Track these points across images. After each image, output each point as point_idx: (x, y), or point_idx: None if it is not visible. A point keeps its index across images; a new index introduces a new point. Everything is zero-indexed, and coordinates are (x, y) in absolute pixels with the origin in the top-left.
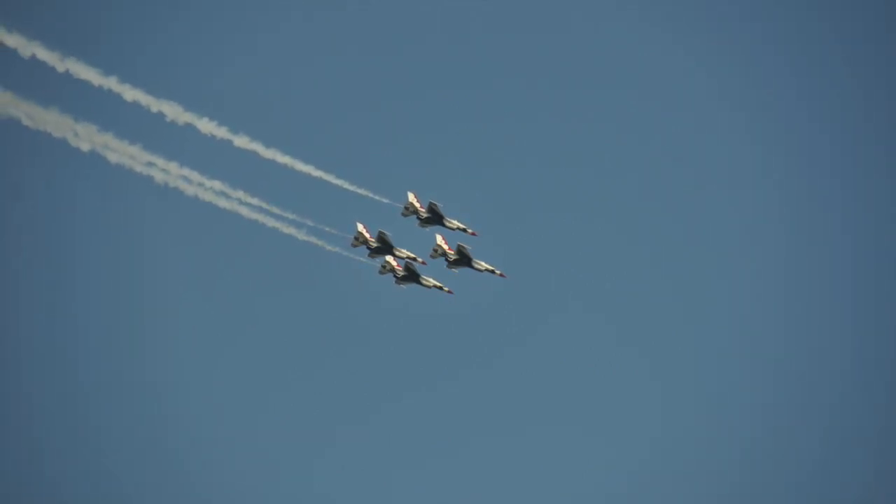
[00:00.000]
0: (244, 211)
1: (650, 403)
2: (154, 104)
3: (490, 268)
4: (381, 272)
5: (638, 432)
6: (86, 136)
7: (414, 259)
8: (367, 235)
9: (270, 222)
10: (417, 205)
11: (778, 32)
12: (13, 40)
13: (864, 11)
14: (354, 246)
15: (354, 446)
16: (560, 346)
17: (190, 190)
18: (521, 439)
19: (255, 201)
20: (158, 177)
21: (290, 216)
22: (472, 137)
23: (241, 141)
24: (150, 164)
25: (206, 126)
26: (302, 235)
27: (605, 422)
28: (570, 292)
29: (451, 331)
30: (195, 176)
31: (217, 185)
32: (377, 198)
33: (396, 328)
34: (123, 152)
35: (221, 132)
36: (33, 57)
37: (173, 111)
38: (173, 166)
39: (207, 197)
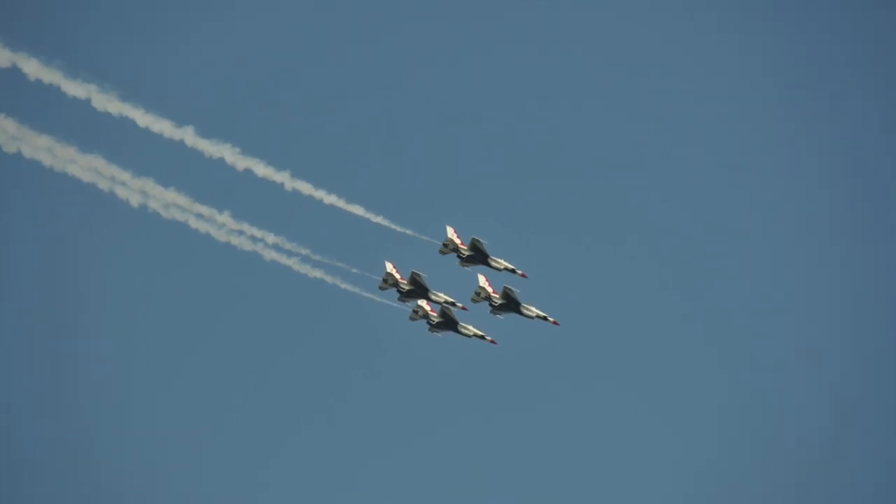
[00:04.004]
0: (245, 243)
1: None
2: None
3: (542, 314)
4: (412, 318)
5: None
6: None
7: (452, 304)
8: (398, 276)
9: (283, 259)
10: (458, 241)
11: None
12: None
13: None
14: (382, 289)
15: None
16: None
17: (180, 216)
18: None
19: (260, 234)
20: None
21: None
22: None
23: (264, 171)
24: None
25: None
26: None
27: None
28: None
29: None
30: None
31: (206, 210)
32: (411, 233)
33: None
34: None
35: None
36: None
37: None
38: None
39: (198, 225)
